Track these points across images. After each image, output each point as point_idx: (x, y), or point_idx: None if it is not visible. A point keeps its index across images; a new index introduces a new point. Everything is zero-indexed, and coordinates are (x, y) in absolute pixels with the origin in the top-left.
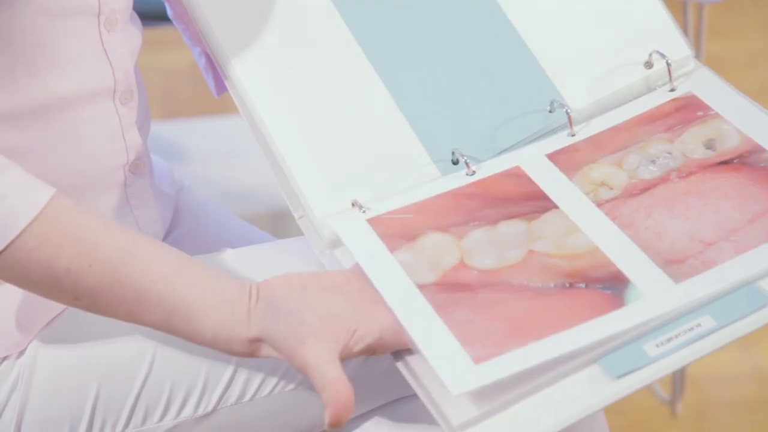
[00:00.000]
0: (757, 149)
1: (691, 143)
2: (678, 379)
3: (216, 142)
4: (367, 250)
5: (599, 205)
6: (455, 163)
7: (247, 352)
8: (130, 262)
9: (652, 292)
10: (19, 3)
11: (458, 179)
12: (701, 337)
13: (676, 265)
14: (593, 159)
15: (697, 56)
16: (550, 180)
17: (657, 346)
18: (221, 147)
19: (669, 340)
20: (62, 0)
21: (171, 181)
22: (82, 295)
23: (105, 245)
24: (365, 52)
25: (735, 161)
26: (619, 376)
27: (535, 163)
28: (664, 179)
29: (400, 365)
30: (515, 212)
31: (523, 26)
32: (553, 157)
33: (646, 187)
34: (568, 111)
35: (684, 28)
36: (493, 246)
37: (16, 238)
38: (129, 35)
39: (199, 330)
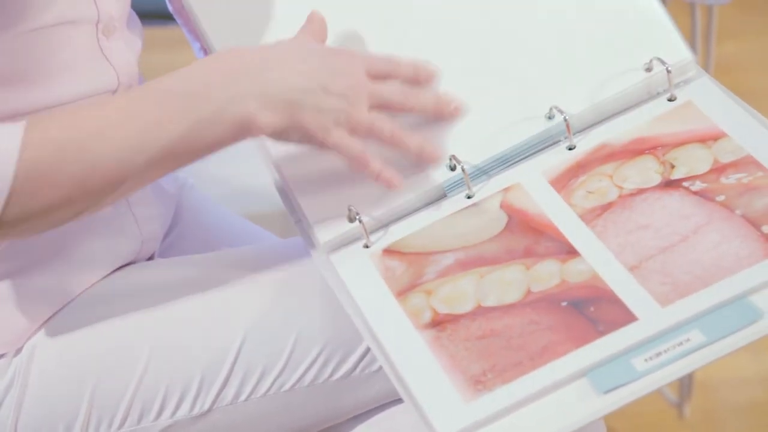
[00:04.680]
0: (753, 162)
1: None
2: (686, 382)
3: None
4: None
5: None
6: (452, 168)
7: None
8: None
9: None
10: (24, 20)
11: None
12: (690, 352)
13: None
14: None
15: (707, 58)
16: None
17: (645, 360)
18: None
19: (658, 354)
20: (63, 12)
21: (172, 178)
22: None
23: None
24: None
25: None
26: (607, 391)
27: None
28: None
29: (389, 373)
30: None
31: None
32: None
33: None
34: (566, 118)
35: (692, 30)
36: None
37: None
38: (128, 40)
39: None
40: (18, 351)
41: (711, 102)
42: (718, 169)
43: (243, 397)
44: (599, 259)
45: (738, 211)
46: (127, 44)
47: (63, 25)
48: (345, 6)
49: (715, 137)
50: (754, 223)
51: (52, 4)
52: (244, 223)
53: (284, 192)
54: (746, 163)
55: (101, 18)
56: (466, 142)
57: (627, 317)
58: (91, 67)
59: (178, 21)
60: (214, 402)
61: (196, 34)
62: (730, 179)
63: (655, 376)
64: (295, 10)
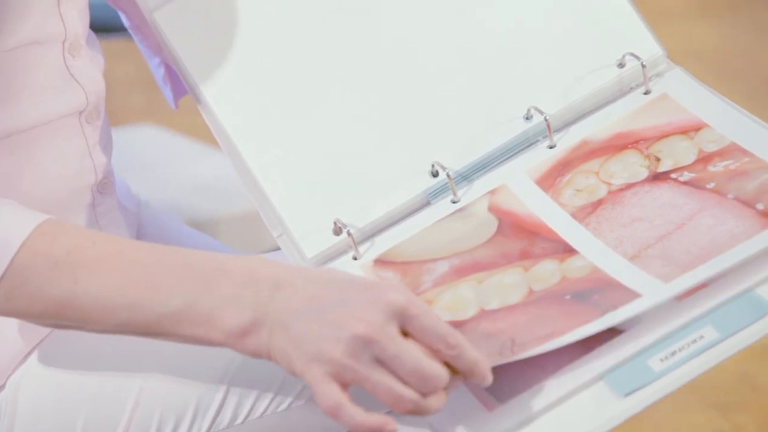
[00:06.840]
0: (737, 149)
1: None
2: None
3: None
4: None
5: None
6: (435, 175)
7: None
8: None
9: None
10: None
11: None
12: (705, 349)
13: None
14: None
15: None
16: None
17: (661, 360)
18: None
19: (673, 353)
20: (33, 31)
21: (130, 196)
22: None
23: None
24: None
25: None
26: (627, 394)
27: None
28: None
29: None
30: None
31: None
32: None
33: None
34: (547, 118)
35: None
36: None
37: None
38: (92, 57)
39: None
40: (1, 387)
41: (686, 93)
42: (704, 159)
43: (240, 419)
44: (598, 253)
45: (730, 195)
46: (92, 62)
47: (33, 45)
48: (318, 7)
49: (696, 128)
50: (748, 203)
51: (23, 23)
52: (206, 238)
53: (263, 205)
54: (731, 150)
55: (68, 36)
56: (445, 147)
57: (630, 296)
58: (60, 87)
59: (135, 37)
60: (210, 427)
61: (155, 49)
62: (717, 167)
63: (673, 375)
64: (265, 25)
